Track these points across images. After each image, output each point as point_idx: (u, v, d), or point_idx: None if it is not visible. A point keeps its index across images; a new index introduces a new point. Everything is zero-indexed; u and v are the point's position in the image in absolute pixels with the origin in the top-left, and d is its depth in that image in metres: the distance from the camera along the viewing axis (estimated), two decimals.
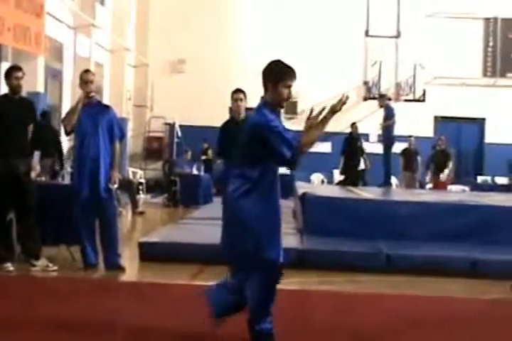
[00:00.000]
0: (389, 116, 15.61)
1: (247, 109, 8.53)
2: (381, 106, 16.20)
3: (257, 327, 4.96)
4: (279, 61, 4.95)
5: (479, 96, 23.67)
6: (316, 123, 4.82)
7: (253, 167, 4.91)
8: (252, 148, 4.90)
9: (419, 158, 18.07)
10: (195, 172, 18.54)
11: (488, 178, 23.25)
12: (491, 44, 24.46)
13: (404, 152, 18.08)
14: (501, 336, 5.89)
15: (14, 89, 8.17)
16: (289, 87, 4.88)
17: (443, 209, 10.42)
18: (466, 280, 8.43)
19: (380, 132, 17.28)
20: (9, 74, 8.17)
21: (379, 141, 19.22)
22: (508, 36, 24.47)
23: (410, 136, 18.85)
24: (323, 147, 21.59)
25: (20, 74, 8.19)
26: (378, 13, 23.98)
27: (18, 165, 8.10)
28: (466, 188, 21.06)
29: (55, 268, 8.13)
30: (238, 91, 8.40)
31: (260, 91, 4.97)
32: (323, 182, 22.88)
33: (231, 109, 8.65)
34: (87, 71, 8.73)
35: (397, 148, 16.88)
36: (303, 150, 4.81)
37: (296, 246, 9.32)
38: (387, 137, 15.62)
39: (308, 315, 5.89)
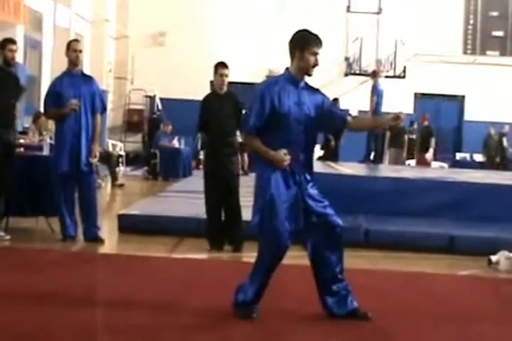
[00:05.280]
0: (376, 92, 15.65)
1: (229, 83, 8.51)
2: (374, 82, 16.24)
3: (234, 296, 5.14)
4: (305, 30, 5.17)
5: (459, 74, 23.72)
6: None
7: (264, 135, 5.06)
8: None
9: (405, 135, 18.04)
10: (175, 145, 18.51)
11: (467, 155, 23.40)
12: (471, 22, 24.47)
13: (391, 128, 18.01)
14: (476, 311, 5.96)
15: (9, 61, 8.16)
16: (316, 54, 5.07)
17: (422, 185, 10.48)
18: (444, 256, 8.50)
19: (361, 108, 17.37)
20: (4, 45, 8.14)
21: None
22: (489, 14, 24.49)
23: (400, 113, 18.85)
24: None
25: (15, 47, 8.23)
26: None
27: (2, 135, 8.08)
28: (445, 165, 21.18)
29: (8, 237, 8.10)
30: (224, 66, 8.28)
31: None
32: None
33: (212, 83, 8.60)
34: (76, 40, 8.79)
35: None
36: None
37: None
38: (376, 114, 15.59)
39: (285, 288, 5.93)
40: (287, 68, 5.17)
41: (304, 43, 5.04)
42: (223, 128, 8.28)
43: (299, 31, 5.16)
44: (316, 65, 5.08)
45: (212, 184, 8.30)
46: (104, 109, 8.73)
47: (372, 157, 16.18)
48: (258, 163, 5.15)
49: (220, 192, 8.28)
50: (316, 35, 5.11)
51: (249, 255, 7.95)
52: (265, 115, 5.00)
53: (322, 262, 5.14)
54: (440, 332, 5.20)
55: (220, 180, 8.25)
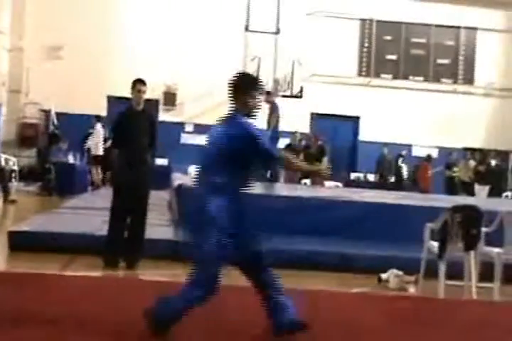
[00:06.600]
0: (274, 111, 15.81)
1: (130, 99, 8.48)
2: (267, 102, 16.36)
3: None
4: (245, 73, 5.35)
5: (354, 95, 24.29)
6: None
7: (224, 173, 5.34)
8: (234, 155, 5.25)
9: (301, 154, 18.33)
10: (70, 160, 18.23)
11: (361, 175, 23.93)
12: (366, 45, 25.14)
13: (288, 147, 18.27)
14: (366, 327, 6.09)
15: None
16: (256, 97, 5.18)
17: (316, 204, 10.65)
18: (336, 274, 8.65)
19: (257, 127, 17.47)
20: None
21: None
22: (383, 38, 25.22)
23: (295, 132, 19.29)
24: (201, 139, 21.73)
25: None
26: (259, 9, 24.22)
27: None
28: (340, 184, 21.57)
29: None
30: (141, 82, 8.35)
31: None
32: None
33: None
34: None
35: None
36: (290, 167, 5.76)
37: (171, 238, 9.34)
38: (272, 132, 15.76)
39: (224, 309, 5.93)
40: (234, 107, 5.24)
41: (245, 88, 5.13)
42: (139, 144, 8.27)
43: (240, 74, 5.25)
44: (257, 107, 5.20)
45: (122, 200, 8.23)
46: None
47: (268, 175, 16.36)
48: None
49: (128, 208, 8.22)
50: (257, 79, 5.24)
51: (145, 272, 7.92)
52: None
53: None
54: None
55: (132, 197, 8.20)
